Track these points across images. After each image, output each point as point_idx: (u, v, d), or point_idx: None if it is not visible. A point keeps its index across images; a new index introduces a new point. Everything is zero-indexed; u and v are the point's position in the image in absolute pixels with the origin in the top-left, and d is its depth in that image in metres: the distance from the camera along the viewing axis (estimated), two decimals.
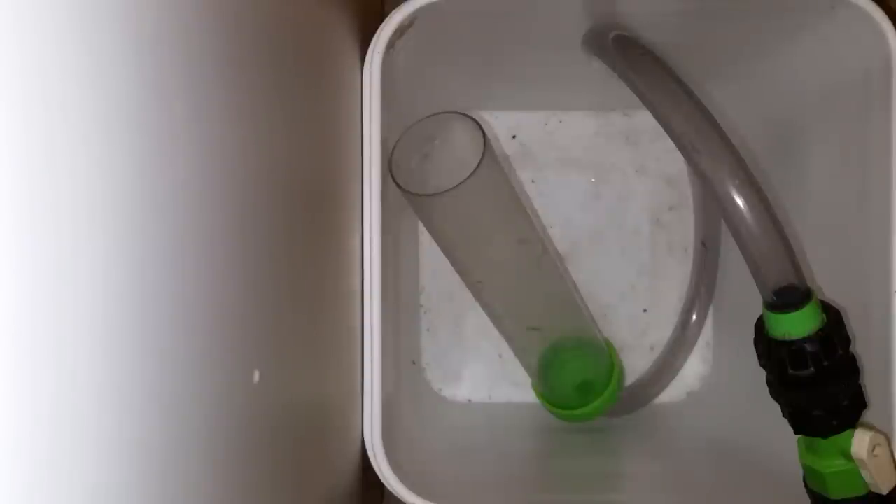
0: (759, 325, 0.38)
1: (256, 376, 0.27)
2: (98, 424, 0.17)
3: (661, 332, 0.57)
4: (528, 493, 0.48)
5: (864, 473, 0.37)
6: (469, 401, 0.57)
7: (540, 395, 0.53)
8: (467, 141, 0.43)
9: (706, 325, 0.56)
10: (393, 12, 0.40)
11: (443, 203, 0.42)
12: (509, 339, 0.51)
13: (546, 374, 0.52)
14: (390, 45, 0.41)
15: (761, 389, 0.38)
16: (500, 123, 0.57)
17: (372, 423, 0.41)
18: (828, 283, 0.42)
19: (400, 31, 0.40)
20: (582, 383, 0.52)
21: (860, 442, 0.36)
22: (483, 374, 0.57)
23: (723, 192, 0.36)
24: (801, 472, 0.39)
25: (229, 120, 0.25)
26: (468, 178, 0.41)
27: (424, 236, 0.54)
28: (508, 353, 0.53)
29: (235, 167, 0.25)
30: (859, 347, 0.38)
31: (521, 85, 0.54)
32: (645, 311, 0.57)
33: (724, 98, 0.47)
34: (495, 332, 0.51)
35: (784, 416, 0.38)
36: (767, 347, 0.37)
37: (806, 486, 0.39)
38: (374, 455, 0.41)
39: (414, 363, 0.55)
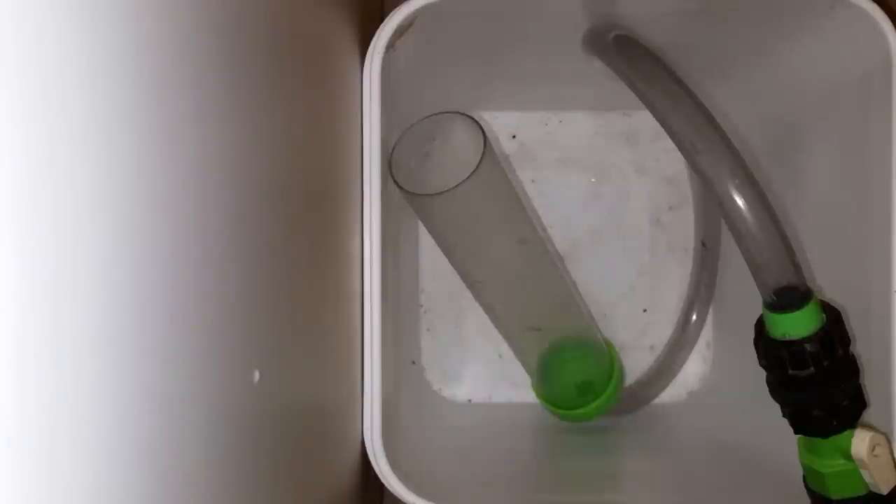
0: (759, 325, 0.38)
1: (256, 376, 0.27)
2: (97, 424, 0.17)
3: (661, 332, 0.57)
4: (528, 493, 0.48)
5: (864, 473, 0.37)
6: (469, 401, 0.57)
7: (540, 395, 0.53)
8: (467, 141, 0.43)
9: (706, 325, 0.56)
10: (393, 12, 0.40)
11: (443, 203, 0.42)
12: (509, 339, 0.51)
13: (546, 374, 0.52)
14: (390, 46, 0.41)
15: (761, 389, 0.38)
16: (500, 123, 0.57)
17: (372, 423, 0.41)
18: (828, 283, 0.42)
19: (400, 31, 0.40)
20: (582, 383, 0.52)
21: (860, 442, 0.36)
22: (483, 374, 0.57)
23: (723, 191, 0.36)
24: (801, 472, 0.39)
25: (229, 120, 0.25)
26: (468, 178, 0.41)
27: (424, 236, 0.54)
28: (508, 353, 0.53)
29: (235, 167, 0.25)
30: (859, 347, 0.38)
31: (521, 85, 0.54)
32: (645, 311, 0.57)
33: (724, 98, 0.47)
34: (495, 332, 0.51)
35: (784, 416, 0.38)
36: (767, 347, 0.37)
37: (806, 486, 0.39)
38: (374, 455, 0.41)
39: (414, 363, 0.55)
